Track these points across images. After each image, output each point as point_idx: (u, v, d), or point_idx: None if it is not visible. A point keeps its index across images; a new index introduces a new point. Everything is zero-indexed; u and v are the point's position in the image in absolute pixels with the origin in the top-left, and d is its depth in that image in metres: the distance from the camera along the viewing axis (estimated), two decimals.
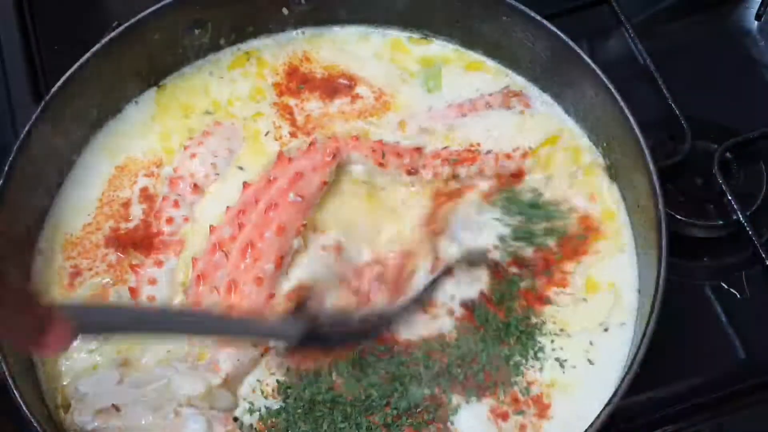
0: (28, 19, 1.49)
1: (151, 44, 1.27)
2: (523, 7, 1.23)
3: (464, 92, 1.30)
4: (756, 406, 1.15)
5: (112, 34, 1.23)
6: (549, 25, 1.22)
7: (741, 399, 1.15)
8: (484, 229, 1.16)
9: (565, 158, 1.22)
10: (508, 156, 1.22)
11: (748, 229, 1.21)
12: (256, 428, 1.06)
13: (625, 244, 1.17)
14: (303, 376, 1.07)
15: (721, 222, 1.24)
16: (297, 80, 1.32)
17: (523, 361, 1.09)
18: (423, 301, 1.10)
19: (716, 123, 1.32)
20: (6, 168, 1.12)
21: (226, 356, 1.07)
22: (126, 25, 1.24)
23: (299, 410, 1.05)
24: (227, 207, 1.16)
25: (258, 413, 1.06)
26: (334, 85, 1.31)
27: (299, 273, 1.12)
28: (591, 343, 1.10)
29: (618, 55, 1.40)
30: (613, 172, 1.21)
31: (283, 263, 1.11)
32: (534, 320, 1.11)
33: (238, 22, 1.33)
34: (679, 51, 1.43)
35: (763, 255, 1.19)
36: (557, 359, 1.09)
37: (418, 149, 1.23)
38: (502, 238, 1.16)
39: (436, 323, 1.11)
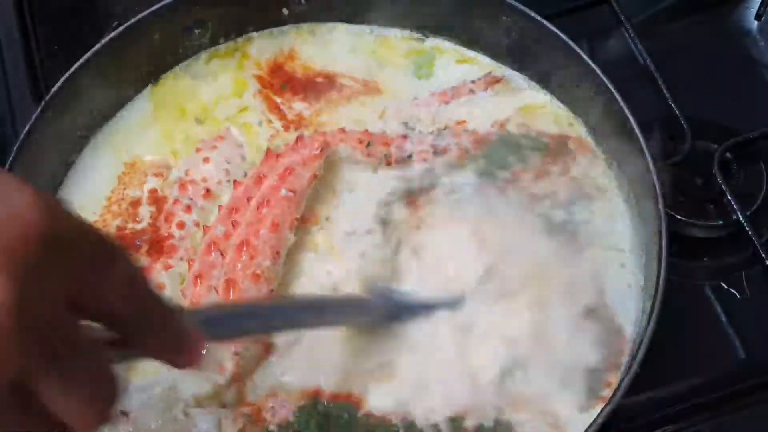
0: (28, 19, 1.49)
1: (151, 44, 1.27)
2: (523, 7, 1.23)
3: (453, 81, 1.31)
4: (756, 406, 1.15)
5: (112, 34, 1.23)
6: (549, 25, 1.22)
7: (741, 399, 1.15)
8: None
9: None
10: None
11: (748, 229, 1.21)
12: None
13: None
14: None
15: (721, 222, 1.24)
16: (280, 79, 1.31)
17: None
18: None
19: (716, 123, 1.32)
20: (6, 168, 1.11)
21: (229, 356, 1.06)
22: (126, 25, 1.24)
23: None
24: (219, 206, 1.16)
25: None
26: (317, 86, 1.30)
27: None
28: None
29: (618, 55, 1.40)
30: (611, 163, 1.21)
31: (278, 258, 1.11)
32: None
33: (238, 22, 1.33)
34: (679, 51, 1.43)
35: (763, 255, 1.19)
36: None
37: (405, 137, 1.23)
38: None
39: None
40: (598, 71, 1.17)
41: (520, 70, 1.30)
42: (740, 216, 1.22)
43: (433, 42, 1.34)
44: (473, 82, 1.30)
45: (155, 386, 1.05)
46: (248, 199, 1.14)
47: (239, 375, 1.07)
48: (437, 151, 1.21)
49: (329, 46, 1.35)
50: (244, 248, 1.09)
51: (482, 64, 1.32)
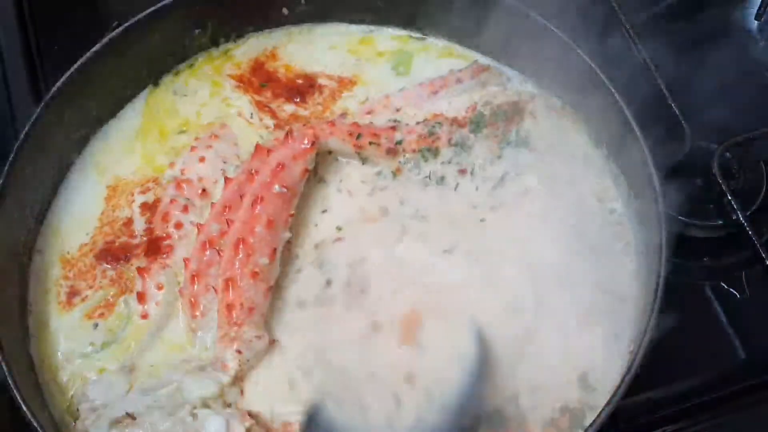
0: (28, 19, 1.49)
1: (151, 44, 1.27)
2: (522, 8, 1.23)
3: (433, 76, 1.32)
4: (756, 406, 1.15)
5: (112, 34, 1.23)
6: (549, 25, 1.22)
7: (741, 399, 1.15)
8: None
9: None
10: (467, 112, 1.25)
11: (748, 229, 1.21)
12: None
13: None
14: None
15: (721, 222, 1.24)
16: (260, 78, 1.31)
17: None
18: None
19: (716, 123, 1.32)
20: (6, 168, 1.11)
21: (232, 354, 1.06)
22: (126, 25, 1.24)
23: None
24: (211, 203, 1.16)
25: None
26: (299, 88, 1.31)
27: None
28: None
29: (618, 55, 1.40)
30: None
31: (275, 255, 1.11)
32: None
33: (238, 21, 1.33)
34: (679, 51, 1.43)
35: (763, 255, 1.19)
36: None
37: (393, 128, 1.23)
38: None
39: None
40: (598, 71, 1.17)
41: (520, 70, 1.30)
42: (740, 216, 1.22)
43: (430, 40, 1.35)
44: (460, 70, 1.30)
45: (160, 388, 1.05)
46: (241, 197, 1.13)
47: (242, 373, 1.07)
48: (425, 140, 1.22)
49: (313, 46, 1.35)
50: (241, 246, 1.09)
51: (470, 59, 1.33)
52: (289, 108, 1.29)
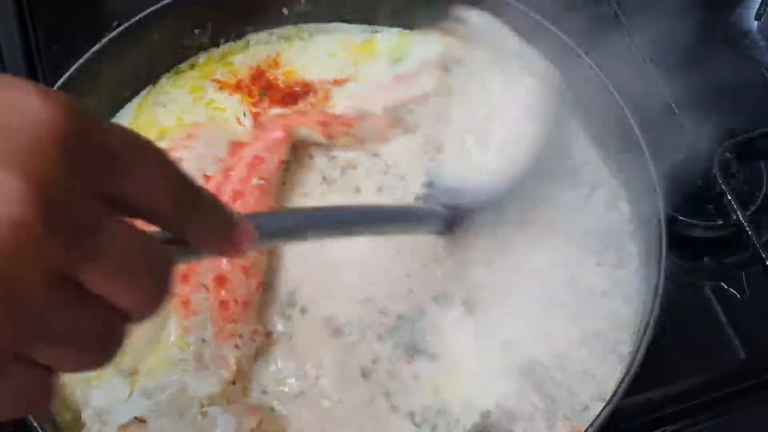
0: (28, 19, 1.49)
1: (151, 44, 1.27)
2: (523, 8, 1.23)
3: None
4: (756, 406, 1.15)
5: (112, 34, 1.23)
6: (549, 25, 1.22)
7: (741, 399, 1.15)
8: None
9: None
10: None
11: (748, 229, 1.21)
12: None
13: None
14: None
15: (721, 222, 1.24)
16: (260, 86, 1.31)
17: None
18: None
19: (716, 123, 1.32)
20: None
21: (229, 349, 1.06)
22: (126, 25, 1.24)
23: None
24: None
25: None
26: (296, 95, 1.30)
27: None
28: None
29: (618, 55, 1.40)
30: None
31: (262, 250, 1.11)
32: None
33: (238, 22, 1.33)
34: (679, 51, 1.43)
35: (763, 255, 1.19)
36: None
37: (363, 117, 1.22)
38: None
39: None
40: (598, 71, 1.17)
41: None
42: (740, 216, 1.22)
43: (429, 37, 1.34)
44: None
45: (163, 390, 1.04)
46: (220, 194, 1.11)
47: (242, 368, 1.06)
48: (392, 126, 1.21)
49: (313, 53, 1.34)
50: None
51: None
52: (275, 111, 1.28)
